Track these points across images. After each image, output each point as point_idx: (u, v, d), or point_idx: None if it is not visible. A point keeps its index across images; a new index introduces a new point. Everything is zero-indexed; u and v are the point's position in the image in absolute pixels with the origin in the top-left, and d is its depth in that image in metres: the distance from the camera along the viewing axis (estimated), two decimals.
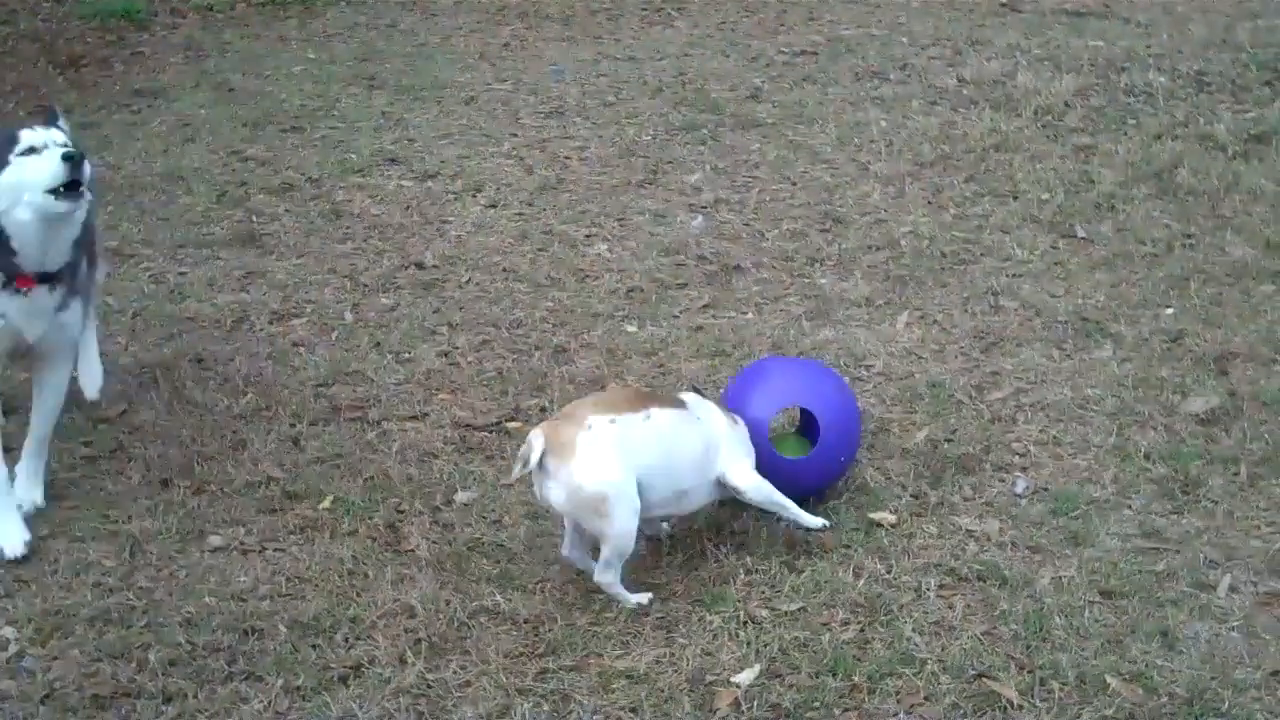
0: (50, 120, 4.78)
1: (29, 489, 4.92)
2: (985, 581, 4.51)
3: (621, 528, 4.31)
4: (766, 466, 4.72)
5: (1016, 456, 5.23)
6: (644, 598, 4.42)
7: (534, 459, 4.27)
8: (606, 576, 4.39)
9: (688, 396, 4.68)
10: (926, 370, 5.86)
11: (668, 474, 4.45)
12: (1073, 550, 4.65)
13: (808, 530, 4.69)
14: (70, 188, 4.50)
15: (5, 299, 4.60)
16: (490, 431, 5.48)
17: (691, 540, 4.74)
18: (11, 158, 4.50)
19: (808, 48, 10.44)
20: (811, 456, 4.86)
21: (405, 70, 10.20)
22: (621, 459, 4.31)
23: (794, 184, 7.88)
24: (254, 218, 7.55)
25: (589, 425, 4.31)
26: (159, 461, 5.23)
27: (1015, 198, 7.58)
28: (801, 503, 4.72)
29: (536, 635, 4.29)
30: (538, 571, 4.61)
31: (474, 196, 7.81)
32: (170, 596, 4.46)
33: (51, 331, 4.76)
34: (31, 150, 4.52)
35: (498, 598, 4.44)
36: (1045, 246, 6.99)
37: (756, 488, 4.64)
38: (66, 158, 4.49)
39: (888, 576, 4.55)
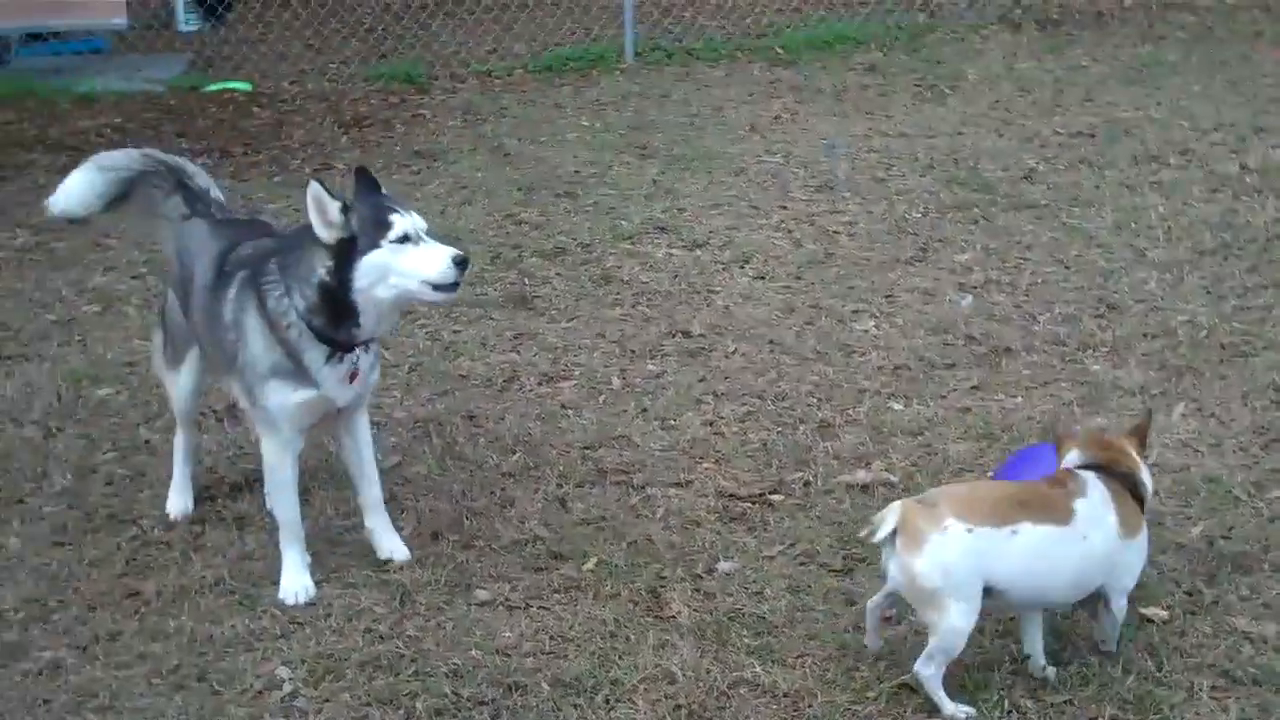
0: (373, 188, 4.83)
1: (393, 542, 5.12)
2: (1261, 686, 4.34)
3: (954, 625, 4.14)
4: None
5: None
6: (965, 711, 4.22)
7: (881, 534, 4.18)
8: (927, 669, 4.22)
9: (1082, 503, 4.29)
10: (1203, 464, 5.69)
11: (1029, 589, 4.24)
12: None
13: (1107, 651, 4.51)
14: (453, 285, 4.67)
15: (326, 370, 4.76)
16: (753, 503, 5.48)
17: None
18: (384, 243, 4.60)
19: (1084, 129, 10.27)
20: None
21: (676, 140, 10.33)
22: (972, 568, 4.12)
23: (1067, 267, 7.74)
24: (526, 280, 7.72)
25: (945, 528, 4.12)
26: (429, 515, 5.37)
27: None
28: None
29: (796, 710, 4.26)
30: (799, 645, 4.58)
31: (742, 267, 7.86)
32: (438, 647, 4.55)
33: (360, 390, 4.94)
34: (405, 239, 4.62)
35: (758, 669, 4.43)
36: None
37: (1122, 610, 4.44)
38: (460, 262, 4.63)
39: (1158, 674, 4.40)
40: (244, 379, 4.81)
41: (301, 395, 4.77)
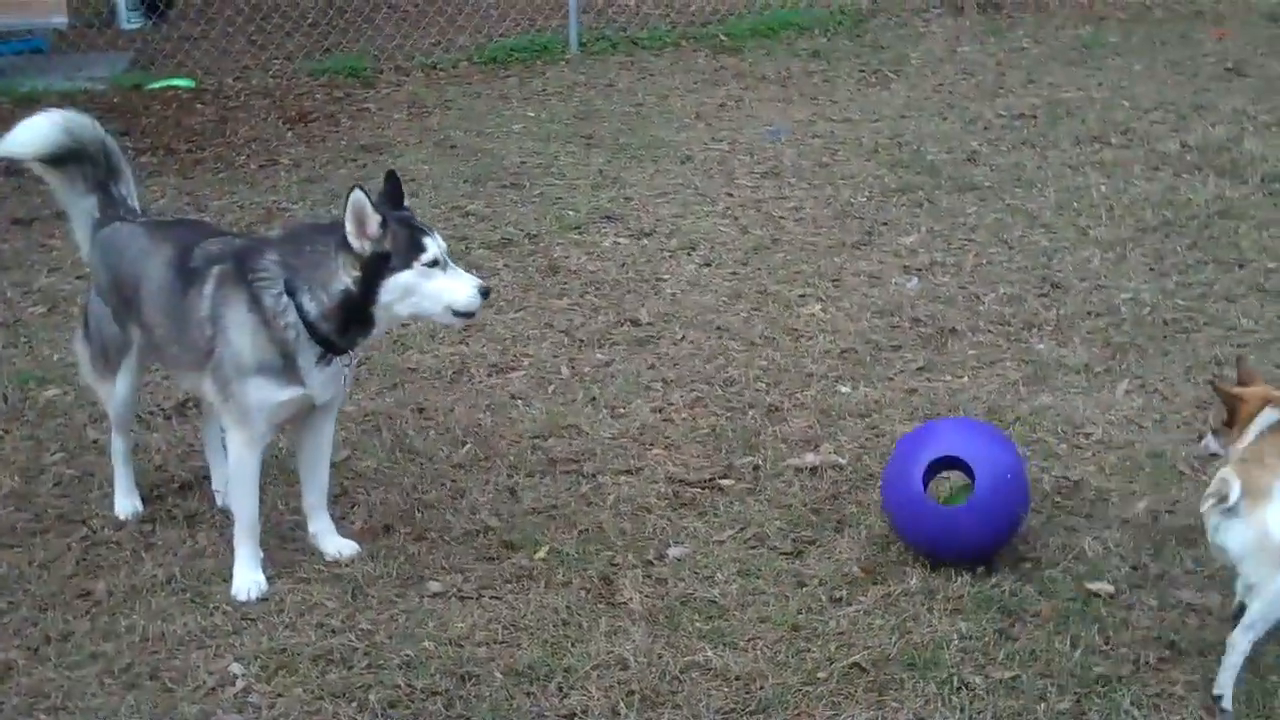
0: (399, 199, 4.85)
1: (339, 542, 5.12)
2: (1206, 657, 4.40)
3: None
4: (918, 513, 4.85)
5: None
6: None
7: (1234, 496, 4.13)
8: (1245, 639, 4.16)
9: None
10: (1148, 440, 5.75)
11: None
12: None
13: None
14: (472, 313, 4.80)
15: (315, 372, 4.79)
16: (703, 488, 5.51)
17: (906, 603, 4.71)
18: (416, 265, 4.66)
19: (1026, 111, 10.34)
20: (969, 506, 4.84)
21: (622, 129, 10.33)
22: None
23: (1011, 248, 7.80)
24: (474, 272, 7.70)
25: None
26: (380, 508, 5.38)
27: (1241, 266, 7.42)
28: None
29: (748, 692, 4.30)
30: (750, 629, 4.61)
31: (689, 255, 7.88)
32: (390, 639, 4.56)
33: (339, 390, 4.99)
34: (435, 263, 4.68)
35: (709, 653, 4.47)
36: (1271, 316, 6.82)
37: None
38: (484, 293, 4.78)
39: (1105, 648, 4.47)
40: (220, 375, 4.79)
41: (287, 393, 4.78)
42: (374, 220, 4.63)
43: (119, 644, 4.60)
